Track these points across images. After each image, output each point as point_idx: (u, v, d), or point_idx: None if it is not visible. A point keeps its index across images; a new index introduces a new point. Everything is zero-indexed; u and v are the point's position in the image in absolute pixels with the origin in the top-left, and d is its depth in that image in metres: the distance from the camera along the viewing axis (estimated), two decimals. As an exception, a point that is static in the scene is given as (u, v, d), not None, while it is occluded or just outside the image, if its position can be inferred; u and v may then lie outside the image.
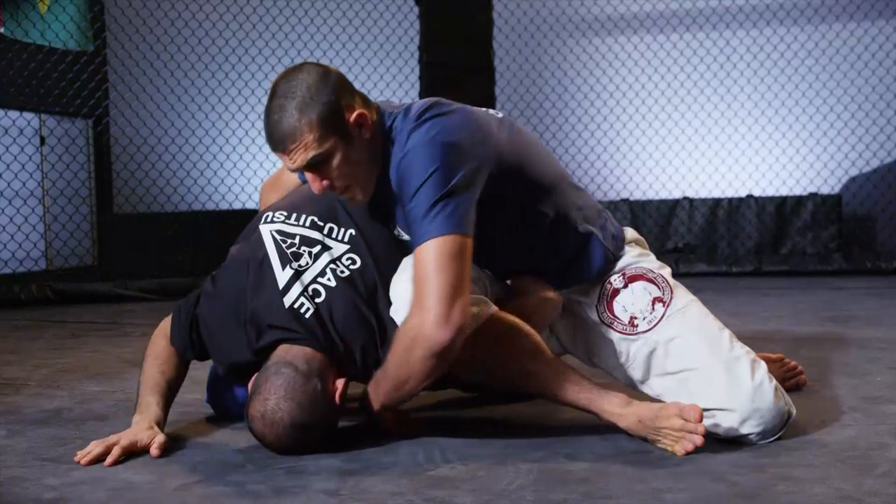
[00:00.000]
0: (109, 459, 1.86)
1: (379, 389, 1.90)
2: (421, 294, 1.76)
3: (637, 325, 2.00)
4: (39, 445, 2.06)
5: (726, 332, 1.99)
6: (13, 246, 6.11)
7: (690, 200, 7.09)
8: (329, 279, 1.95)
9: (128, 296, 5.55)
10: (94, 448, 1.88)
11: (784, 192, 7.28)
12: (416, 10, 6.64)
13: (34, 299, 5.44)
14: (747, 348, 1.98)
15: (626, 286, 2.03)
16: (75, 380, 2.90)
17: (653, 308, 2.00)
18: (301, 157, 1.83)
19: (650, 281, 2.04)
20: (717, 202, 7.05)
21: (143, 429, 1.96)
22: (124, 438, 1.91)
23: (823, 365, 2.81)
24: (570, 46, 7.76)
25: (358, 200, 1.94)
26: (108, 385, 2.81)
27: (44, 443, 2.09)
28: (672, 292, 2.03)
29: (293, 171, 1.91)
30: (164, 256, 6.48)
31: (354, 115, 1.86)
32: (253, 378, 1.92)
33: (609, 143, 7.61)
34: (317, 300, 1.92)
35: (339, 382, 1.91)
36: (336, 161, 1.85)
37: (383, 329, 1.94)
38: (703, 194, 7.33)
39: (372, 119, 1.90)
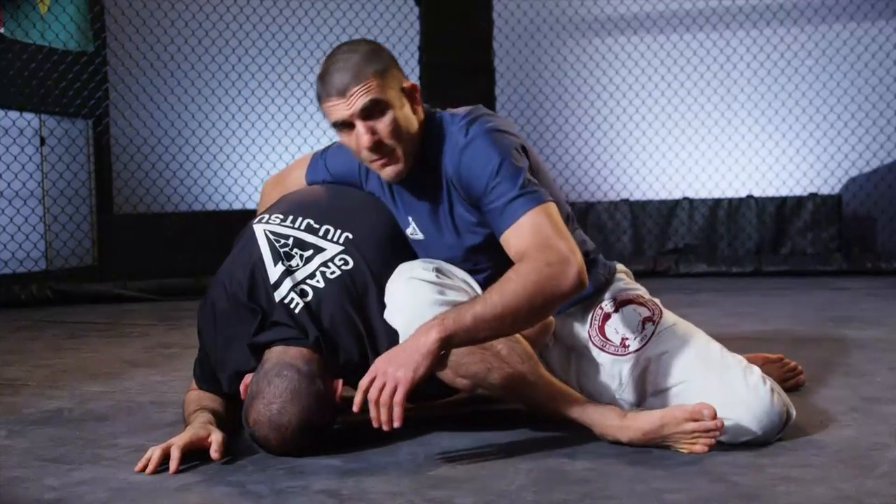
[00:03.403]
0: (173, 465, 1.78)
1: (455, 317, 1.72)
2: (552, 247, 1.77)
3: (628, 346, 2.00)
4: (39, 446, 2.06)
5: (715, 344, 2.00)
6: (13, 246, 6.11)
7: (690, 201, 7.09)
8: (318, 281, 1.94)
9: (128, 296, 5.55)
10: (153, 453, 1.81)
11: (784, 192, 7.28)
12: (416, 10, 6.64)
13: (34, 299, 5.44)
14: (738, 357, 1.99)
15: (616, 310, 2.04)
16: (75, 380, 2.90)
17: (643, 328, 2.01)
18: (360, 101, 1.84)
19: (640, 304, 2.05)
20: (717, 202, 7.05)
21: (198, 426, 1.90)
22: (180, 439, 1.84)
23: (823, 365, 2.81)
24: (570, 47, 7.76)
25: (393, 169, 1.92)
26: (107, 385, 2.81)
27: (44, 443, 2.09)
28: (661, 313, 2.04)
29: (346, 118, 1.86)
30: (164, 257, 6.48)
31: (409, 84, 1.94)
32: (247, 381, 1.91)
33: (609, 144, 7.61)
34: (305, 299, 1.92)
35: (337, 382, 1.91)
36: (389, 117, 1.87)
37: (371, 333, 1.93)
38: (703, 195, 7.32)
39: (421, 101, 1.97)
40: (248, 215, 2.34)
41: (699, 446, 1.81)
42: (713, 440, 1.80)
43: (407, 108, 1.92)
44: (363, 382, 1.73)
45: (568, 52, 7.74)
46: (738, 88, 7.48)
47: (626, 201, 7.21)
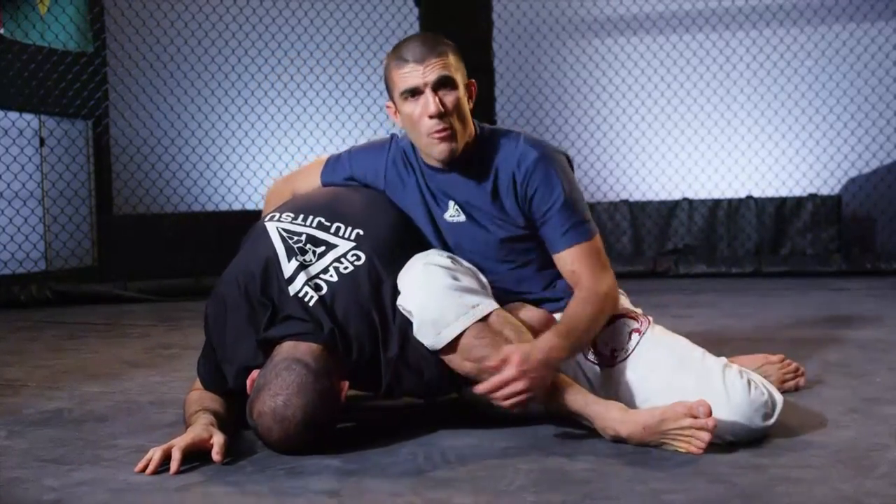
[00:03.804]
0: (173, 466, 1.79)
1: (558, 345, 1.91)
2: (607, 277, 2.07)
3: (617, 357, 2.06)
4: (39, 446, 2.07)
5: (698, 349, 2.04)
6: (13, 247, 6.10)
7: (690, 201, 7.08)
8: (331, 276, 1.97)
9: (127, 297, 5.55)
10: (154, 454, 1.82)
11: (784, 192, 7.28)
12: (416, 11, 6.64)
13: (34, 300, 5.44)
14: (721, 359, 2.02)
15: (608, 324, 2.09)
16: (75, 381, 2.91)
17: (630, 338, 2.07)
18: (437, 72, 2.01)
19: (630, 317, 2.11)
20: (716, 203, 7.04)
21: (199, 428, 1.90)
22: (181, 440, 1.85)
23: (823, 366, 2.81)
24: (569, 47, 7.76)
25: (448, 147, 2.05)
26: (107, 386, 2.81)
27: (43, 444, 2.09)
28: (649, 324, 2.10)
29: (419, 85, 2.01)
30: (163, 257, 6.47)
31: (470, 81, 2.13)
32: (253, 376, 1.91)
33: (609, 144, 7.61)
34: (319, 293, 1.94)
35: (344, 383, 1.92)
36: (456, 96, 2.04)
37: (384, 326, 1.95)
38: (702, 195, 7.31)
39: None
40: (248, 216, 2.36)
41: (694, 447, 1.81)
42: (706, 440, 1.81)
43: (466, 99, 2.09)
44: (500, 380, 1.84)
45: (567, 53, 7.74)
46: (738, 89, 7.48)
47: (625, 202, 7.21)
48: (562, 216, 2.07)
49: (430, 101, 2.00)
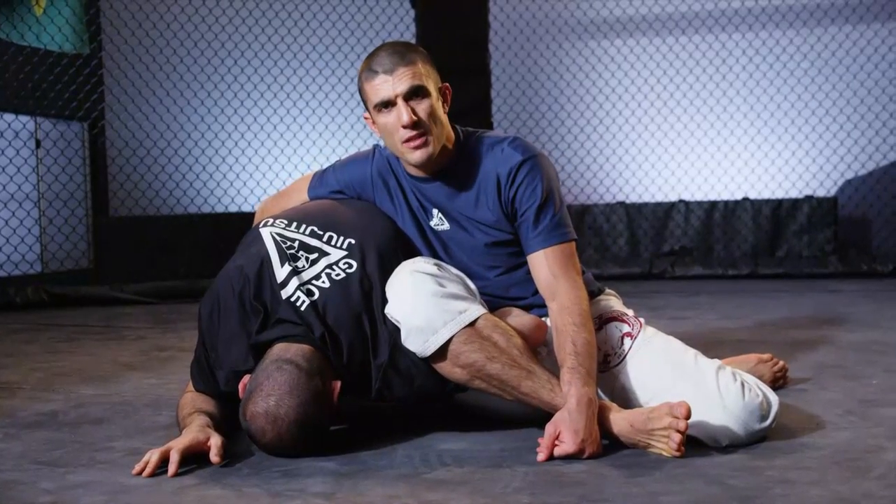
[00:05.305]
0: (171, 468, 1.78)
1: (589, 393, 1.88)
2: (573, 279, 2.05)
3: (610, 362, 2.07)
4: (35, 449, 2.06)
5: (691, 352, 2.05)
6: (8, 249, 6.08)
7: (686, 203, 7.09)
8: (324, 282, 1.99)
9: (123, 299, 5.54)
10: (151, 456, 1.81)
11: (780, 194, 7.28)
12: (412, 13, 6.64)
13: (29, 303, 5.42)
14: (714, 361, 2.03)
15: (600, 328, 2.11)
16: (71, 383, 2.90)
17: (622, 343, 2.08)
18: (407, 82, 2.01)
19: (622, 321, 2.13)
20: (712, 205, 7.04)
21: (196, 429, 1.90)
22: (179, 442, 1.85)
23: (819, 368, 2.81)
24: (565, 49, 7.76)
25: (424, 152, 2.05)
26: (103, 388, 2.81)
27: (39, 446, 2.09)
28: (642, 327, 2.11)
29: (390, 96, 2.01)
30: (159, 259, 6.46)
31: (444, 85, 2.12)
32: (245, 380, 1.91)
33: (605, 146, 7.62)
34: (311, 298, 1.95)
35: (336, 383, 1.92)
36: (428, 103, 2.04)
37: (375, 330, 1.96)
38: (698, 197, 7.31)
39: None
40: (243, 218, 2.38)
41: (667, 447, 1.82)
42: (676, 441, 1.80)
43: (441, 104, 2.09)
44: (564, 455, 1.84)
45: (564, 55, 7.74)
46: (734, 91, 7.48)
47: (622, 204, 7.21)
48: (540, 216, 2.06)
49: (402, 112, 2.01)
